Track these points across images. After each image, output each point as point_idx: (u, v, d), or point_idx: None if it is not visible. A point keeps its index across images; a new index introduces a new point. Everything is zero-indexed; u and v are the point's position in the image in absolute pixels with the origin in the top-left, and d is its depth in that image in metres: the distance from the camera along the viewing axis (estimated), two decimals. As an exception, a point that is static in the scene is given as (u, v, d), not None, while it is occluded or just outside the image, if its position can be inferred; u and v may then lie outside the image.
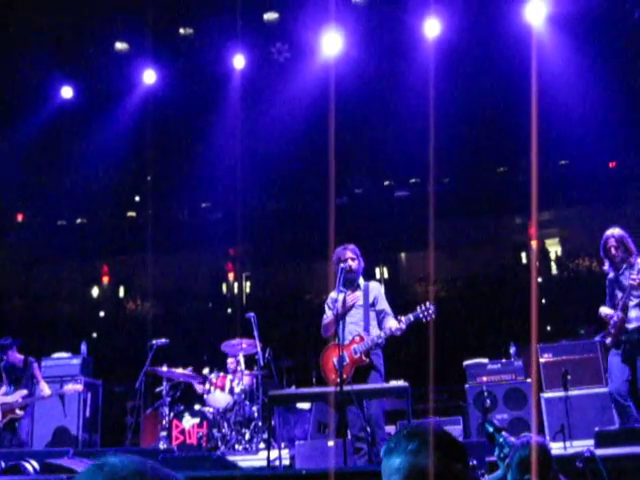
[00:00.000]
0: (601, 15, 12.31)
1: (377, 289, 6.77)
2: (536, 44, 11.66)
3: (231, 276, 22.74)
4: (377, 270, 21.72)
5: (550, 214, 21.29)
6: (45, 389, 8.64)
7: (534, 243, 20.39)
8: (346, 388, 5.55)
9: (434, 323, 6.35)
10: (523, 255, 21.91)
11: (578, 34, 12.20)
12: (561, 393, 8.40)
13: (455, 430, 8.59)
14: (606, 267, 7.20)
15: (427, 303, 6.26)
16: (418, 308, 6.27)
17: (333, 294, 6.74)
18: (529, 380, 8.89)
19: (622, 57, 13.64)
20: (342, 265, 6.50)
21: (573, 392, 8.39)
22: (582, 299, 14.28)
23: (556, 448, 7.88)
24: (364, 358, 6.29)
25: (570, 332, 12.82)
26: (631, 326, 6.87)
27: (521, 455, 3.61)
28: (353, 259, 6.68)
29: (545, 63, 11.98)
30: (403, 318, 6.28)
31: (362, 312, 6.55)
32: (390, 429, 8.48)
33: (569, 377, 8.36)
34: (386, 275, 22.08)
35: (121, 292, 23.29)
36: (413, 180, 21.30)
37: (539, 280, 19.53)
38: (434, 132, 12.99)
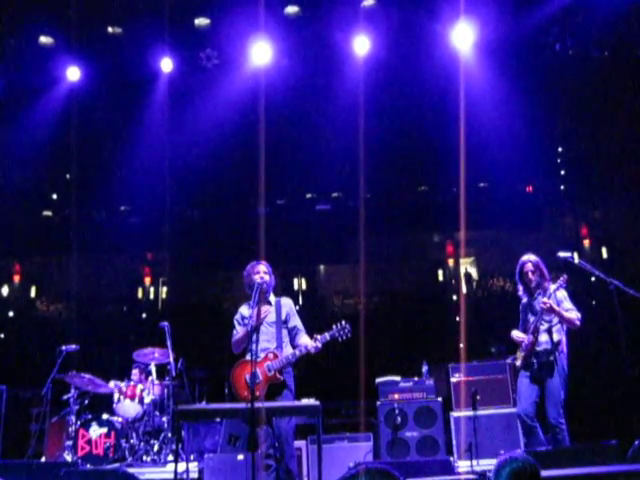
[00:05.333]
0: (524, 46, 12.66)
1: (289, 305, 6.70)
2: (463, 68, 11.95)
3: (147, 280, 22.38)
4: (295, 281, 21.76)
5: (467, 234, 21.71)
6: None
7: (452, 261, 20.79)
8: (257, 405, 5.50)
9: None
10: (440, 272, 22.30)
11: (502, 62, 12.51)
12: (470, 412, 8.57)
13: (365, 447, 8.64)
14: (520, 292, 7.40)
15: (343, 322, 6.26)
16: (334, 327, 6.25)
17: (243, 310, 6.66)
18: (439, 399, 9.03)
19: (543, 86, 14.05)
20: (259, 280, 6.42)
21: (481, 412, 8.58)
22: (494, 318, 14.61)
23: (463, 466, 8.05)
24: (278, 376, 6.24)
25: (482, 350, 13.06)
26: (540, 349, 7.07)
27: (512, 467, 3.39)
28: (266, 273, 6.62)
29: (470, 87, 12.25)
30: (319, 336, 6.25)
31: (274, 329, 6.48)
32: (300, 444, 8.47)
33: (478, 397, 8.55)
34: (304, 286, 22.14)
35: (33, 292, 22.59)
36: (335, 194, 21.45)
37: (454, 298, 19.89)
38: (360, 148, 13.11)
